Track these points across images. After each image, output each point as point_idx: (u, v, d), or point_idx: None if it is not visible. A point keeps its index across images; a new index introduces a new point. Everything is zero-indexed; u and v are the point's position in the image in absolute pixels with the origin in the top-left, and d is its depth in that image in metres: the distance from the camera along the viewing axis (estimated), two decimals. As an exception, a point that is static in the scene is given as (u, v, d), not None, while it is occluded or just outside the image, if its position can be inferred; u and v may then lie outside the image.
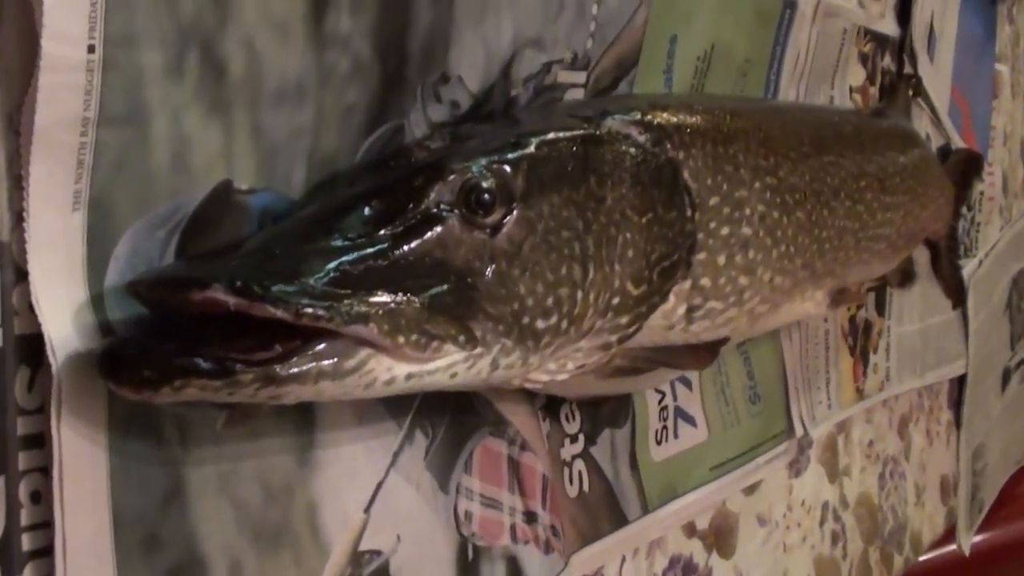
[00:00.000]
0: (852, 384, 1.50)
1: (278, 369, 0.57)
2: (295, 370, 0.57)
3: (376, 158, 0.73)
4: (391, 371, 0.62)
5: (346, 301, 0.58)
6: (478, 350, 0.66)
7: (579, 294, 0.71)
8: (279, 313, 0.55)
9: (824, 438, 1.45)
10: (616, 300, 0.75)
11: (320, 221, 0.64)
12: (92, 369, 0.56)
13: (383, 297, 0.60)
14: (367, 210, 0.65)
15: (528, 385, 0.77)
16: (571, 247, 0.71)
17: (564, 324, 0.71)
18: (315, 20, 0.69)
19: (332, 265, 0.60)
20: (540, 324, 0.69)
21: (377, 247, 0.63)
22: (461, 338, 0.64)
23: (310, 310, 0.56)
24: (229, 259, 0.60)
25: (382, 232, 0.64)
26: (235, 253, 0.61)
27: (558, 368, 0.76)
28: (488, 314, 0.66)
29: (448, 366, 0.65)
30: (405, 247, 0.63)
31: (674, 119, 0.84)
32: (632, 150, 0.78)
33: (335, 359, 0.59)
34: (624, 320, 0.77)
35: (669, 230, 0.79)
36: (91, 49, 0.56)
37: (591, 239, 0.72)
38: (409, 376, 0.63)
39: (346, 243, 0.62)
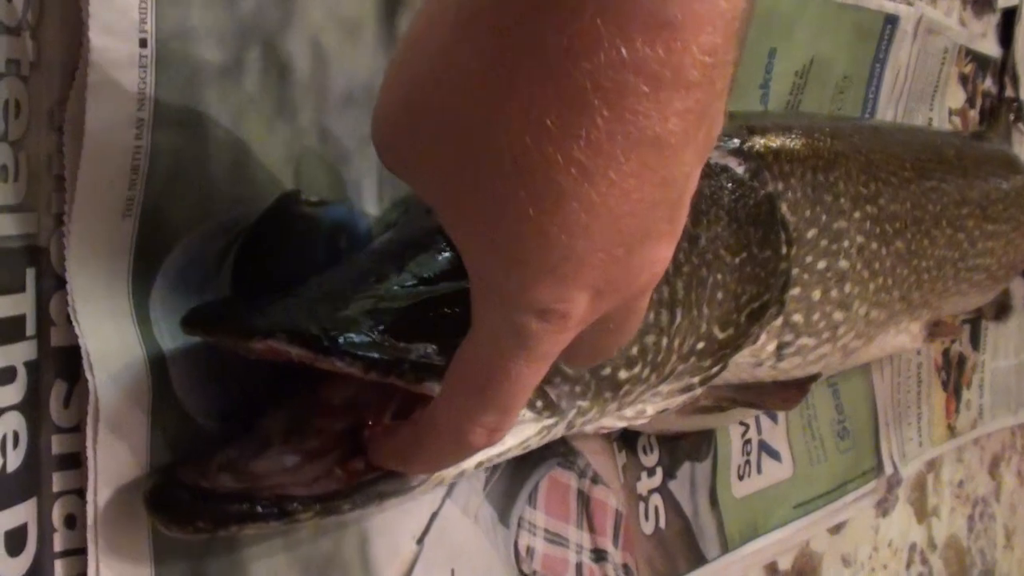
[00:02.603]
0: (944, 420, 1.45)
1: (342, 505, 0.55)
2: (358, 501, 0.56)
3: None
4: (459, 466, 0.59)
5: (417, 355, 0.54)
6: (552, 420, 0.62)
7: (664, 340, 0.66)
8: (345, 368, 0.51)
9: (913, 477, 1.40)
10: (701, 345, 0.70)
11: (393, 258, 0.59)
12: (133, 387, 0.53)
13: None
14: (446, 247, 0.59)
15: (604, 431, 0.73)
16: (660, 291, 0.66)
17: (647, 372, 0.66)
18: (387, 18, 0.65)
19: (406, 312, 0.55)
20: (622, 375, 0.64)
21: (451, 293, 0.57)
22: (539, 403, 0.60)
23: (380, 366, 0.52)
24: (293, 301, 0.55)
25: (462, 274, 0.58)
26: (300, 292, 0.56)
27: (636, 414, 0.72)
28: (565, 374, 0.61)
29: (520, 444, 0.62)
30: None
31: (773, 145, 0.80)
32: (730, 184, 0.74)
33: (400, 484, 0.57)
34: (708, 363, 0.72)
35: (762, 270, 0.74)
36: (143, 43, 0.52)
37: (681, 282, 0.67)
38: (479, 464, 0.61)
39: (420, 287, 0.57)
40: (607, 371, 0.63)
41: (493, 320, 0.45)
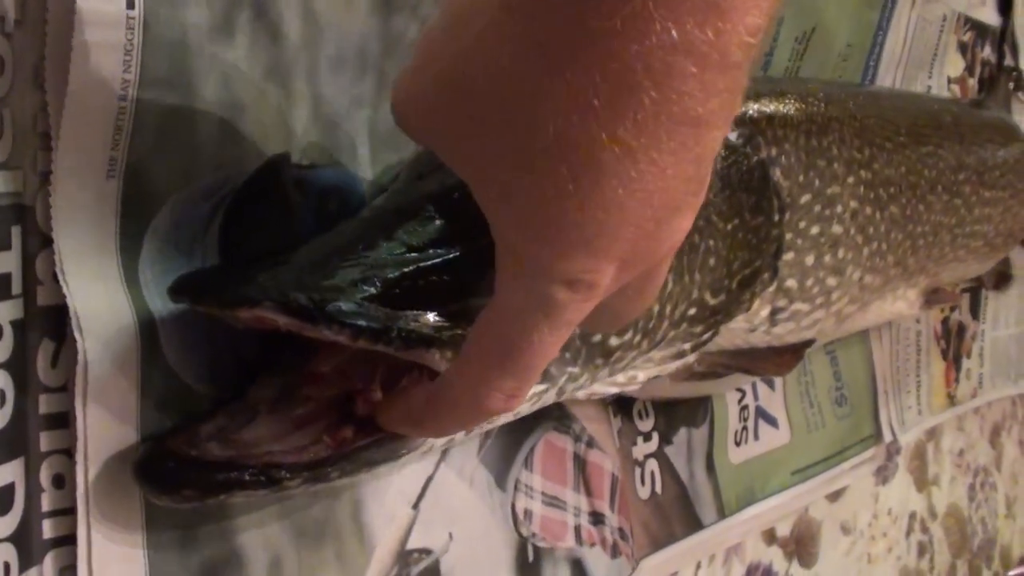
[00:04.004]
0: (944, 389, 1.44)
1: (330, 472, 0.55)
2: (347, 468, 0.56)
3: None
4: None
5: (406, 322, 0.54)
6: (543, 387, 0.62)
7: (655, 307, 0.66)
8: (333, 335, 0.51)
9: (913, 445, 1.40)
10: (692, 311, 0.70)
11: (383, 226, 0.59)
12: (122, 347, 0.53)
13: (445, 319, 0.55)
14: (435, 217, 0.59)
15: (595, 397, 0.73)
16: None
17: (638, 338, 0.66)
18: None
19: (395, 280, 0.55)
20: (613, 341, 0.64)
21: (443, 260, 0.57)
22: None
23: (368, 333, 0.52)
24: (283, 270, 0.55)
25: (450, 243, 0.58)
26: (288, 260, 0.56)
27: (627, 380, 0.72)
28: None
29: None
30: (472, 261, 0.57)
31: (767, 110, 0.80)
32: (723, 151, 0.73)
33: (389, 452, 0.57)
34: (699, 329, 0.72)
35: (754, 236, 0.74)
36: (130, 4, 0.52)
37: None
38: (468, 432, 0.60)
39: (409, 253, 0.57)
40: (597, 338, 0.63)
41: (519, 290, 0.46)
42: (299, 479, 0.53)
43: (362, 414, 0.57)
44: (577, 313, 0.46)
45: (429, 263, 0.57)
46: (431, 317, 0.55)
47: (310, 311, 0.51)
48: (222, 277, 0.56)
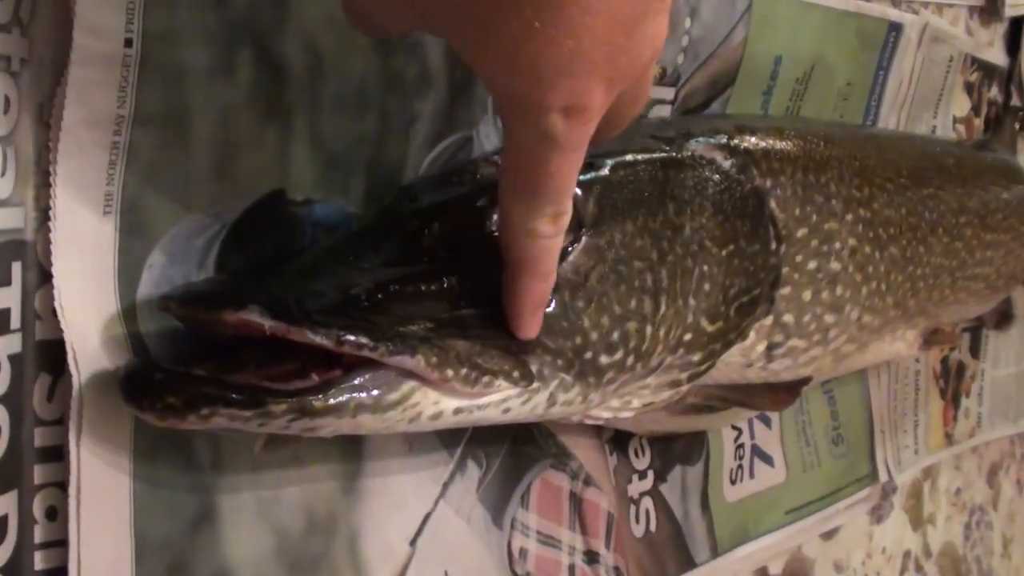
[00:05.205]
0: (941, 428, 1.44)
1: (314, 401, 0.53)
2: (332, 402, 0.53)
3: (440, 172, 0.69)
4: (438, 405, 0.58)
5: (392, 329, 0.54)
6: (534, 385, 0.62)
7: (648, 329, 0.67)
8: (318, 339, 0.52)
9: (909, 484, 1.40)
10: (688, 336, 0.70)
11: (372, 241, 0.60)
12: (118, 379, 0.53)
13: (433, 326, 0.56)
14: (424, 231, 0.61)
15: (589, 421, 0.73)
16: (643, 279, 0.66)
17: (630, 360, 0.66)
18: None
19: (380, 289, 0.56)
20: (604, 360, 0.65)
21: (430, 271, 0.59)
22: (515, 373, 0.60)
23: (352, 337, 0.52)
24: (271, 278, 0.56)
25: (438, 255, 0.60)
26: (278, 272, 0.57)
27: (622, 405, 0.72)
28: (547, 348, 0.62)
29: (501, 401, 0.61)
30: (460, 273, 0.59)
31: (762, 144, 0.80)
32: (716, 176, 0.74)
33: (377, 392, 0.55)
34: (696, 357, 0.72)
35: (751, 264, 0.74)
36: (128, 43, 0.52)
37: (665, 271, 0.68)
38: (458, 411, 0.59)
39: (396, 266, 0.58)
40: (588, 355, 0.64)
41: (524, 130, 0.50)
42: (284, 405, 0.52)
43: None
44: (582, 136, 0.50)
45: (415, 272, 0.58)
46: (416, 324, 0.56)
47: (295, 315, 0.51)
48: (208, 285, 0.57)
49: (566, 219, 0.55)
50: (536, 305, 0.59)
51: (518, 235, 0.55)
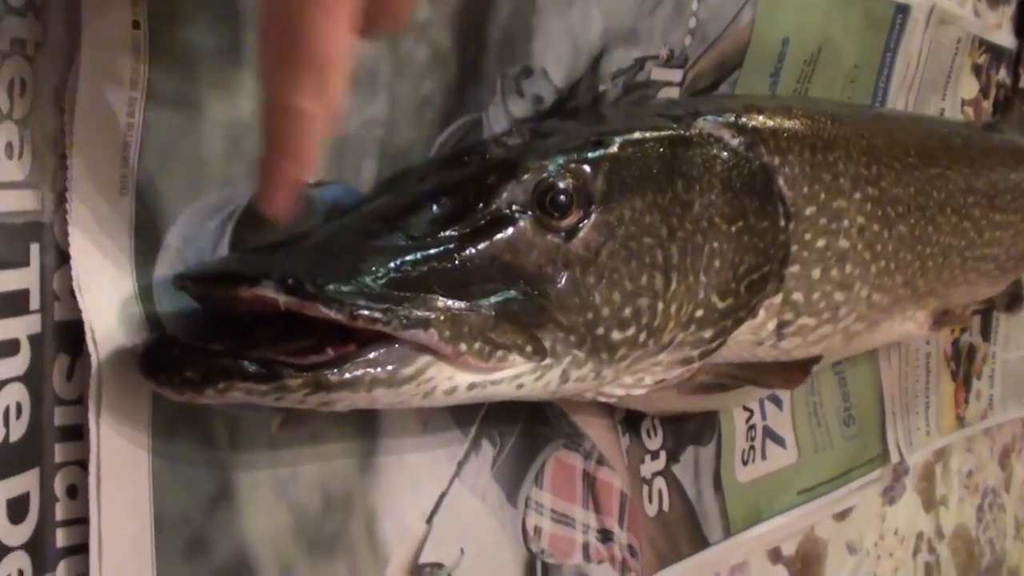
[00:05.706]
0: (953, 410, 1.44)
1: (329, 375, 0.54)
2: (348, 376, 0.54)
3: (450, 153, 0.70)
4: (452, 380, 0.59)
5: (406, 304, 0.55)
6: (547, 361, 0.62)
7: (660, 305, 0.67)
8: (332, 314, 0.52)
9: (921, 466, 1.40)
10: (700, 313, 0.71)
11: (383, 218, 0.61)
12: (135, 358, 0.54)
13: (446, 301, 0.57)
14: (434, 208, 0.61)
15: (602, 398, 0.73)
16: (653, 255, 0.67)
17: (642, 336, 0.67)
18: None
19: (393, 265, 0.57)
20: (616, 336, 0.65)
21: (442, 248, 0.59)
22: (528, 348, 0.61)
23: (366, 312, 0.53)
24: (284, 255, 0.57)
25: (448, 232, 0.60)
26: (292, 248, 0.58)
27: (635, 382, 0.73)
28: (559, 324, 0.63)
29: (514, 377, 0.62)
30: (472, 249, 0.60)
31: (770, 122, 0.80)
32: (724, 154, 0.74)
33: (392, 366, 0.56)
34: (708, 334, 0.73)
35: (760, 240, 0.75)
36: (136, 25, 0.53)
37: (675, 247, 0.68)
38: (472, 386, 0.60)
39: (409, 242, 0.59)
40: (600, 331, 0.64)
41: None
42: (300, 379, 0.53)
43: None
44: None
45: (428, 248, 0.59)
46: (429, 299, 0.56)
47: (309, 290, 0.52)
48: (223, 263, 0.57)
49: (331, 98, 0.49)
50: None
51: (273, 110, 0.49)
